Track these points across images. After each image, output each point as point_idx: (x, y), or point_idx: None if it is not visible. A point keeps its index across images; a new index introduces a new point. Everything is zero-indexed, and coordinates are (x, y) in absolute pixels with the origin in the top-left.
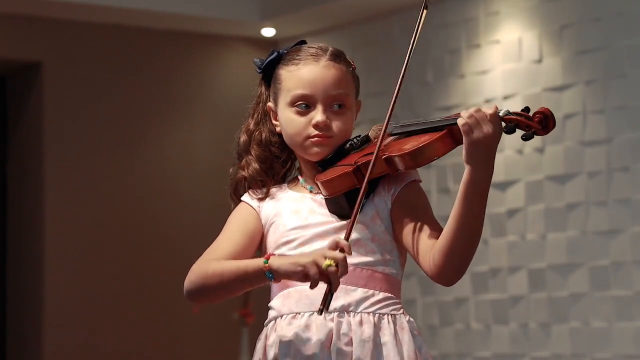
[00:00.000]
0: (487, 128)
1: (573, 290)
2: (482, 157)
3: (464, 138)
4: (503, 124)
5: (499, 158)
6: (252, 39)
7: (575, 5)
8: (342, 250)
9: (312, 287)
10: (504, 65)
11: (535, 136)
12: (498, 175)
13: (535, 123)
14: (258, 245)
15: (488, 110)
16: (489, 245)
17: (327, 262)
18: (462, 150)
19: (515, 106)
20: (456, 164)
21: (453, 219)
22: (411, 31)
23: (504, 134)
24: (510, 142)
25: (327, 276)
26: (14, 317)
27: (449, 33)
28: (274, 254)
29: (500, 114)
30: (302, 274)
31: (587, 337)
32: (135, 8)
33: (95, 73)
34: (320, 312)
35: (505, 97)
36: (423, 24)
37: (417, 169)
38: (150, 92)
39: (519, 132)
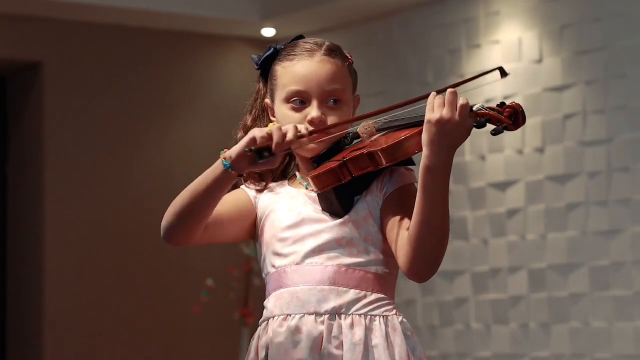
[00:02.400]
0: (446, 112)
1: (573, 290)
2: (435, 139)
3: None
4: (477, 117)
5: (499, 158)
6: (252, 39)
7: (575, 5)
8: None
9: (258, 144)
10: (504, 65)
11: (505, 131)
12: (498, 175)
13: (505, 117)
14: (247, 228)
15: (462, 99)
16: (489, 245)
17: (272, 124)
18: (461, 150)
19: None
20: (455, 164)
21: (415, 211)
22: (411, 31)
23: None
24: (510, 142)
25: (270, 134)
26: (14, 318)
27: (449, 33)
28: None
29: (474, 108)
30: (250, 140)
31: (587, 337)
32: (135, 8)
33: (95, 73)
34: (249, 151)
35: (505, 97)
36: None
37: (413, 169)
38: (150, 92)
39: (489, 127)
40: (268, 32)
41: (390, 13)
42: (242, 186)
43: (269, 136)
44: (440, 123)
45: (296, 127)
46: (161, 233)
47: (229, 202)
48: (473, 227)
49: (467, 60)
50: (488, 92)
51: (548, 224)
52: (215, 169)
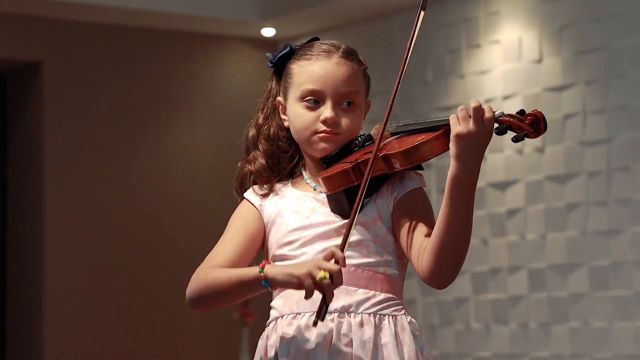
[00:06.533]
0: (473, 125)
1: (573, 290)
2: (465, 152)
3: (450, 130)
4: (496, 125)
5: (499, 158)
6: (252, 39)
7: (575, 5)
8: (337, 261)
9: (306, 297)
10: (504, 65)
11: (526, 138)
12: (498, 175)
13: (527, 125)
14: (260, 244)
15: (487, 111)
16: (489, 245)
17: (322, 274)
18: None
19: (515, 106)
20: None
21: (439, 219)
22: (411, 31)
23: (495, 136)
24: (510, 142)
25: (321, 288)
26: (14, 318)
27: (448, 33)
28: (269, 262)
29: (496, 114)
30: (297, 285)
31: (587, 337)
32: (135, 8)
33: (95, 73)
34: (314, 323)
35: (505, 97)
36: (420, 25)
37: (422, 173)
38: (151, 92)
39: (510, 134)
40: (268, 32)
41: (390, 13)
42: (247, 195)
43: (320, 289)
44: (469, 136)
45: (340, 270)
46: (186, 300)
47: (240, 235)
48: (473, 227)
49: (467, 60)
50: (488, 93)
51: (548, 224)
52: (252, 284)
